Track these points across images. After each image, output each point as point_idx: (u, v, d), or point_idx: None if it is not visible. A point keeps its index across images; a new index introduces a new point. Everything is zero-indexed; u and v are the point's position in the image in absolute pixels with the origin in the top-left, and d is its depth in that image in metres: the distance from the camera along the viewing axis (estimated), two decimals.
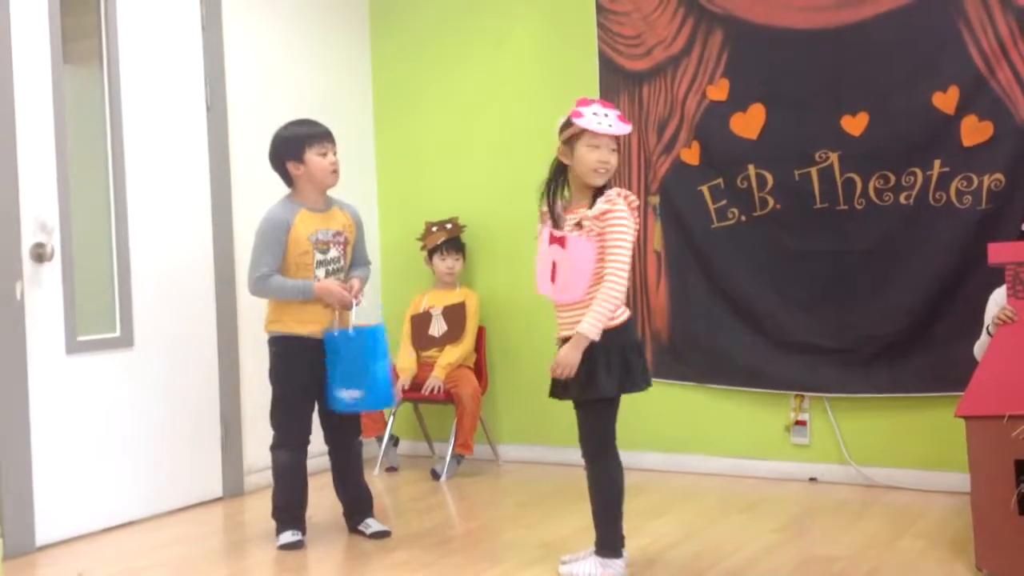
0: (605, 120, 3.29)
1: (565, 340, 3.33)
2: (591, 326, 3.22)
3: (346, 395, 3.78)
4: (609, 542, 3.36)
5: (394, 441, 5.20)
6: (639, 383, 3.33)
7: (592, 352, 3.26)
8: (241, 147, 4.71)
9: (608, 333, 3.27)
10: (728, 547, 3.69)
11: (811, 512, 4.17)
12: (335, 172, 3.84)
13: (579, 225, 3.29)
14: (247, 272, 3.84)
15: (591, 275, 3.28)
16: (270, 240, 3.76)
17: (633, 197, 3.33)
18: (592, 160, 3.29)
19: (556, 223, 3.36)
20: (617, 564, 3.36)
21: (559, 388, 3.38)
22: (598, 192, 3.34)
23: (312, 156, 3.79)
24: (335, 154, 3.84)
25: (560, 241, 3.32)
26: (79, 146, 4.11)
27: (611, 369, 3.27)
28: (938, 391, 4.25)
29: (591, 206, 3.31)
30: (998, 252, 3.50)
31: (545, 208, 3.44)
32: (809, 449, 4.65)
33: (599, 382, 3.27)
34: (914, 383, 4.36)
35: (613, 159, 3.33)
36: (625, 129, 3.33)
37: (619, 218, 3.26)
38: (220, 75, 4.65)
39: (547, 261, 3.36)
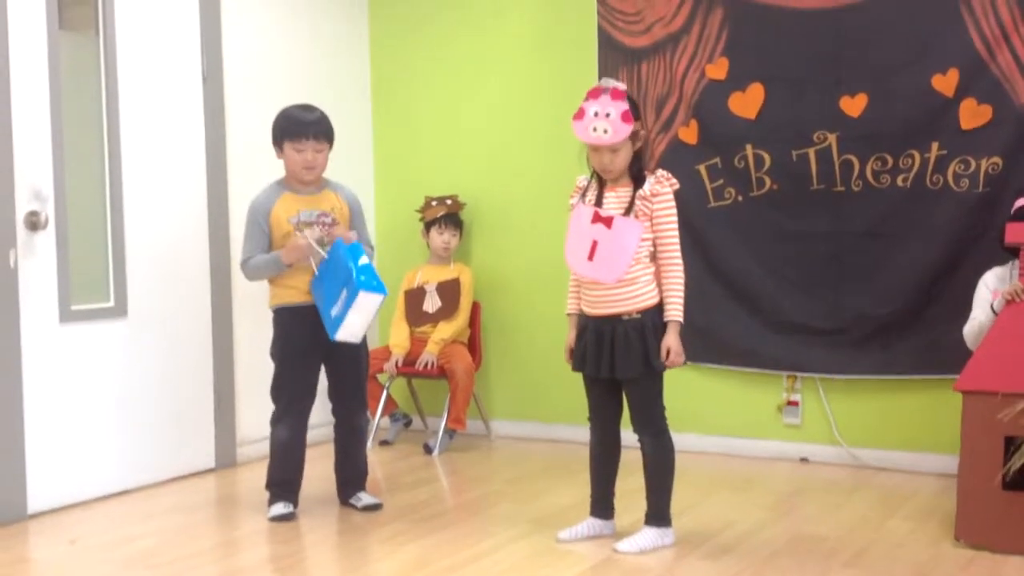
0: (600, 125, 3.27)
1: (598, 318, 3.36)
2: (679, 311, 3.37)
3: (336, 309, 3.64)
4: (666, 513, 3.50)
5: (406, 421, 5.22)
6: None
7: (665, 327, 3.36)
8: (238, 118, 4.68)
9: (658, 310, 3.38)
10: (718, 524, 3.72)
11: (801, 491, 4.19)
12: (309, 169, 3.78)
13: (630, 205, 3.30)
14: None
15: (634, 256, 3.31)
16: (251, 226, 3.82)
17: (675, 181, 3.37)
18: (595, 162, 3.37)
19: (599, 201, 3.37)
20: (671, 532, 3.51)
21: (607, 364, 3.37)
22: (636, 171, 3.36)
23: (288, 150, 3.79)
24: (316, 151, 3.77)
25: (606, 221, 3.32)
26: (74, 114, 4.09)
27: None
28: (929, 373, 4.28)
29: (635, 186, 3.34)
30: (1015, 232, 3.50)
31: (583, 183, 3.44)
32: (801, 429, 4.66)
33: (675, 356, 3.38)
34: (905, 365, 4.37)
35: (617, 159, 3.32)
36: (623, 132, 3.27)
37: (670, 202, 3.35)
38: (217, 45, 4.62)
39: (586, 239, 3.35)
